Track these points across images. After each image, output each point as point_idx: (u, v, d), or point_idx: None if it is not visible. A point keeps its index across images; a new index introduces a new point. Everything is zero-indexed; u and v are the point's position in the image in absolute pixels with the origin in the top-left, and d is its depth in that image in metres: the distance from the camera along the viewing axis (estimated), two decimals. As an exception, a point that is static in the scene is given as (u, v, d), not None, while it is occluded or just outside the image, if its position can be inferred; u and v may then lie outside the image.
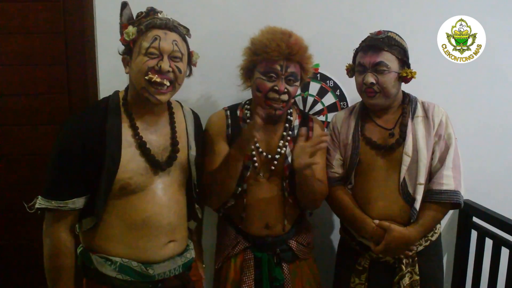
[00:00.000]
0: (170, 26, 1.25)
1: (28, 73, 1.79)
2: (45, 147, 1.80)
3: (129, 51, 1.27)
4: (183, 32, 1.30)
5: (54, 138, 1.26)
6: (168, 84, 1.23)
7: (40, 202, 1.19)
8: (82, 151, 1.19)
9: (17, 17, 1.75)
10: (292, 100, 1.49)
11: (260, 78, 1.44)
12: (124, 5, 1.28)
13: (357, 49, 1.56)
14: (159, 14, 1.28)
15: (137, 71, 1.22)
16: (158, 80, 1.21)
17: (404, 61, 1.50)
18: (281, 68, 1.41)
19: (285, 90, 1.43)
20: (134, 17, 1.29)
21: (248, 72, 1.50)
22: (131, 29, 1.23)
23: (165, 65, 1.21)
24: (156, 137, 1.31)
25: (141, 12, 1.28)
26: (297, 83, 1.47)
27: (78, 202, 1.21)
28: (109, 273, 1.23)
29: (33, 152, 1.83)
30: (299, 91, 1.90)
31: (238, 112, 1.57)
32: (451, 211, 1.68)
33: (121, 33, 1.27)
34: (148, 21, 1.24)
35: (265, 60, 1.42)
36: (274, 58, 1.40)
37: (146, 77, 1.20)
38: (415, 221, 1.46)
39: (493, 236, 1.76)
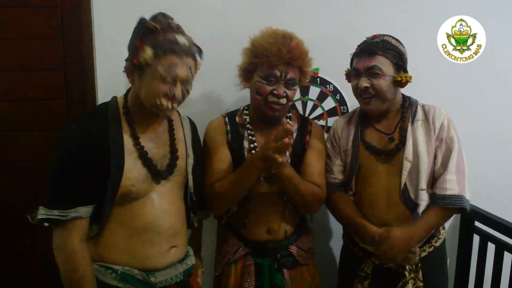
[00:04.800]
0: (187, 50, 1.22)
1: (26, 78, 1.78)
2: (43, 153, 1.79)
3: (139, 67, 1.21)
4: (195, 53, 1.27)
5: (52, 144, 1.25)
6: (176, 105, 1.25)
7: (41, 212, 1.16)
8: (86, 159, 1.16)
9: (14, 23, 1.75)
10: (290, 103, 1.49)
11: (259, 82, 1.44)
12: (143, 22, 1.21)
13: (353, 54, 1.55)
14: (170, 20, 1.23)
15: (149, 92, 1.21)
16: (170, 106, 1.22)
17: (399, 65, 1.47)
18: (280, 73, 1.41)
19: (284, 94, 1.43)
20: (145, 28, 1.20)
21: (247, 74, 1.50)
22: (148, 53, 1.17)
23: (178, 92, 1.22)
24: (155, 144, 1.30)
25: (155, 28, 1.19)
26: (296, 87, 1.48)
27: (82, 211, 1.18)
28: (110, 282, 1.21)
29: (31, 159, 1.82)
30: (298, 95, 1.90)
31: (237, 118, 1.57)
32: (453, 215, 1.67)
33: (134, 51, 1.20)
34: (166, 45, 1.18)
35: (265, 64, 1.41)
36: (274, 63, 1.40)
37: (158, 102, 1.20)
38: (417, 221, 1.44)
39: (495, 240, 1.75)
